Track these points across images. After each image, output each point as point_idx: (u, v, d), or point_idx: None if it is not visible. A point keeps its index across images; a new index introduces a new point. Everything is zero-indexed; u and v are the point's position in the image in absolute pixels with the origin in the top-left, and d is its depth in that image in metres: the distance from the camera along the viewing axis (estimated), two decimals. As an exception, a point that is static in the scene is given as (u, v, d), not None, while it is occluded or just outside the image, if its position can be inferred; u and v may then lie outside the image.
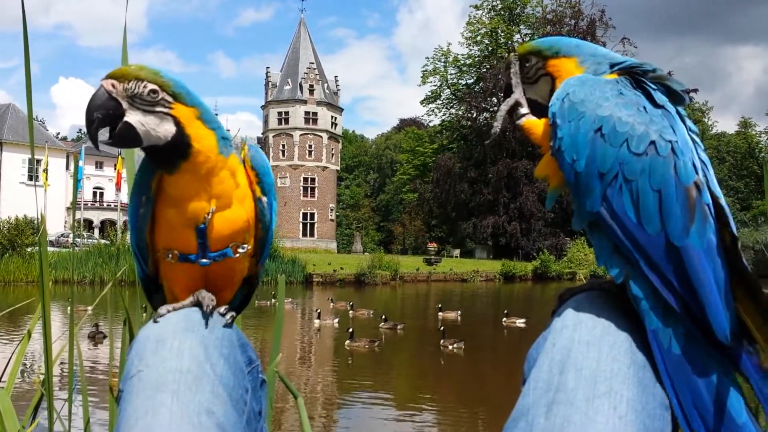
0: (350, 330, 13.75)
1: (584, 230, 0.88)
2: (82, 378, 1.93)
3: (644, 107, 0.86)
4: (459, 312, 18.45)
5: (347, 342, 13.31)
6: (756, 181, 64.65)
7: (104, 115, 0.91)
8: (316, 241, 57.23)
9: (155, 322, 0.93)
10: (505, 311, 18.08)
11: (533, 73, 1.00)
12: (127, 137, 0.92)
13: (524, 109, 0.98)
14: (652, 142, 0.83)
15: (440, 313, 18.51)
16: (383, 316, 16.38)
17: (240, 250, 1.00)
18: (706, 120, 73.01)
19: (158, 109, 0.92)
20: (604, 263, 0.85)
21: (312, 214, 59.53)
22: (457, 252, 55.17)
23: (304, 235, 58.28)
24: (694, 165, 0.84)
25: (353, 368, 11.73)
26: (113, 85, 0.90)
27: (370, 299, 26.01)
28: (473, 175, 55.35)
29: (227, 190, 0.97)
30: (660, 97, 0.89)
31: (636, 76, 0.91)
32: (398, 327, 15.93)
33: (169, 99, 0.93)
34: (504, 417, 0.81)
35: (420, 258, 46.22)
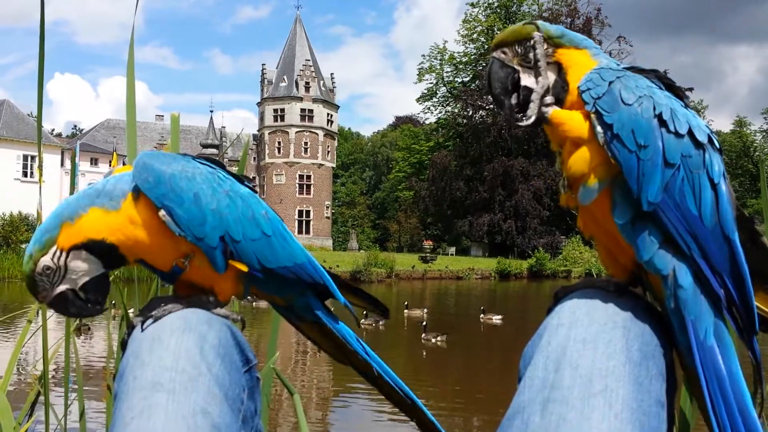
0: None
1: (621, 223, 0.85)
2: (78, 374, 1.92)
3: (683, 104, 0.86)
4: (425, 310, 18.50)
5: None
6: (751, 179, 64.79)
7: None
8: (311, 239, 57.13)
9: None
10: (482, 308, 18.36)
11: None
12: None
13: (550, 98, 0.91)
14: (708, 137, 0.84)
15: (406, 311, 18.60)
16: (365, 313, 16.55)
17: (186, 262, 0.97)
18: (701, 119, 73.23)
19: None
20: (651, 255, 0.83)
21: (307, 212, 59.46)
22: (452, 250, 55.15)
23: (300, 232, 58.14)
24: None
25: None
26: None
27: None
28: (469, 173, 55.30)
29: (133, 237, 0.94)
30: (683, 98, 0.89)
31: (658, 76, 0.90)
32: (380, 323, 16.25)
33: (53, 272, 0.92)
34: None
35: (416, 256, 46.18)
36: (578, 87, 0.87)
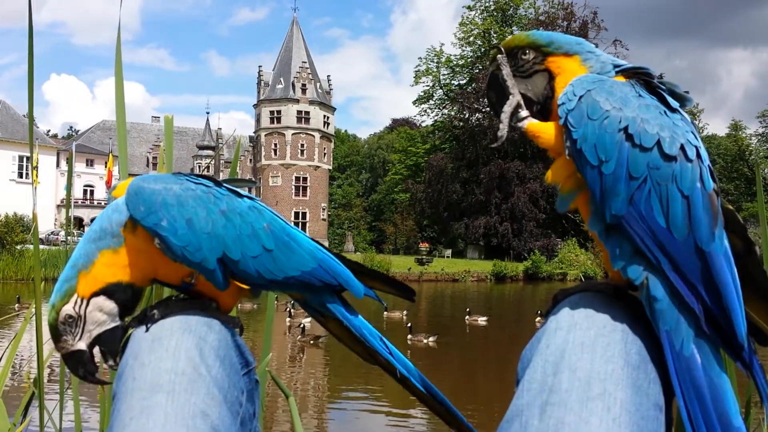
0: (302, 326, 14.78)
1: (597, 232, 0.85)
2: (73, 377, 1.92)
3: (665, 111, 0.85)
4: (405, 312, 18.68)
5: (299, 337, 14.40)
6: (746, 183, 65.02)
7: None
8: (307, 241, 57.03)
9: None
10: (468, 309, 18.58)
11: (528, 68, 0.94)
12: None
13: (524, 111, 0.93)
14: (681, 147, 0.82)
15: (385, 313, 18.71)
16: None
17: (193, 279, 0.99)
18: (696, 122, 73.21)
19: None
20: (623, 265, 0.83)
21: (304, 214, 59.43)
22: (448, 252, 55.18)
23: (296, 234, 58.01)
24: (711, 172, 0.85)
25: (342, 366, 11.73)
26: None
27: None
28: (465, 176, 55.41)
29: (139, 264, 0.96)
30: (674, 102, 0.88)
31: (645, 79, 0.89)
32: None
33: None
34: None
35: (412, 258, 46.23)
36: (557, 100, 0.88)
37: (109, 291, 0.94)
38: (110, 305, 0.94)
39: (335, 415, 8.78)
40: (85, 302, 0.93)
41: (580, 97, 0.85)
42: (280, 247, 1.01)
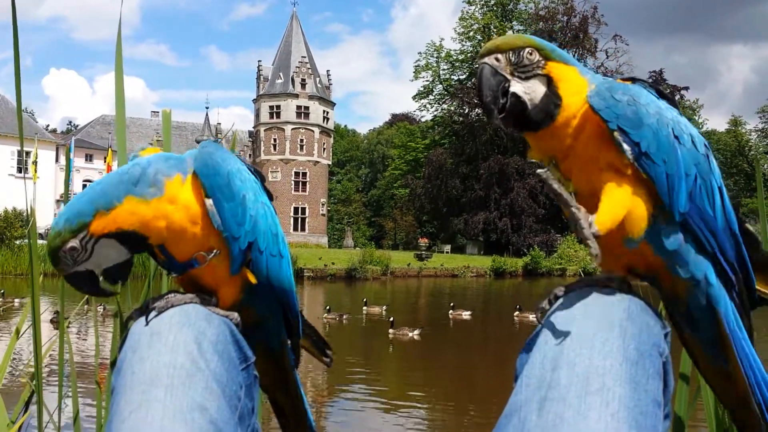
0: None
1: (659, 247, 0.89)
2: (72, 372, 1.91)
3: (679, 112, 0.91)
4: (384, 307, 18.80)
5: None
6: (746, 178, 65.00)
7: None
8: (306, 236, 57.11)
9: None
10: (452, 304, 18.77)
11: (530, 69, 0.92)
12: None
13: (585, 222, 0.88)
14: (705, 145, 0.90)
15: (365, 308, 18.81)
16: (328, 308, 17.23)
17: (208, 257, 0.98)
18: (696, 118, 73.41)
19: None
20: (689, 264, 0.88)
21: (303, 209, 59.38)
22: (448, 248, 55.12)
23: (295, 229, 58.07)
24: None
25: (340, 363, 11.74)
26: None
27: (359, 294, 26.05)
28: (465, 171, 55.33)
29: (168, 219, 0.95)
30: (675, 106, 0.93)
31: (648, 83, 0.93)
32: (343, 318, 16.68)
33: None
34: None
35: (411, 253, 46.18)
36: (590, 104, 0.88)
37: (122, 236, 0.94)
38: (119, 246, 0.95)
39: (333, 412, 8.79)
40: (93, 239, 0.92)
41: (626, 100, 0.87)
42: (286, 257, 1.07)
